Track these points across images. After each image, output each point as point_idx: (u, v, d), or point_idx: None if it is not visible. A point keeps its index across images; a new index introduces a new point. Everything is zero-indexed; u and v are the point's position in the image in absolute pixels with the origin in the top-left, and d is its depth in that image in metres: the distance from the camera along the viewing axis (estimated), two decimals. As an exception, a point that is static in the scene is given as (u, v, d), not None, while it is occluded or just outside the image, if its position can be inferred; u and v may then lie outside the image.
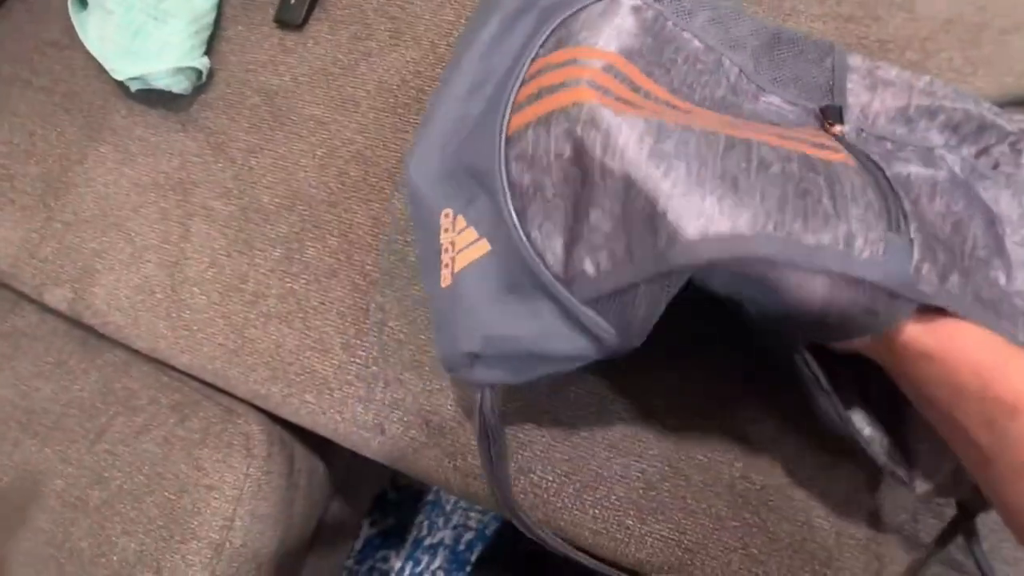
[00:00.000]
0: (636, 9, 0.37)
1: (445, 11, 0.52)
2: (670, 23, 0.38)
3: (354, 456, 0.46)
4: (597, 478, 0.41)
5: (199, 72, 0.53)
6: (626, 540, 0.40)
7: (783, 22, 0.48)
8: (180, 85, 0.53)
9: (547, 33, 0.36)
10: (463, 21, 0.51)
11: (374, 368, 0.45)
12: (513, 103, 0.34)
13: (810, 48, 0.41)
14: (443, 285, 0.35)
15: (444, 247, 0.35)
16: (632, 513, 0.40)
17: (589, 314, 0.32)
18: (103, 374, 0.53)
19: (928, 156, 0.37)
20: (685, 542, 0.39)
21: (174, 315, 0.49)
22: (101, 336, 0.53)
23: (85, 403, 0.52)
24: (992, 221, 0.36)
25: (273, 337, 0.47)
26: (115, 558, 0.47)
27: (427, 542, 0.80)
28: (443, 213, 0.36)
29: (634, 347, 0.33)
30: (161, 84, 0.52)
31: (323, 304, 0.47)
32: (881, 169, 0.34)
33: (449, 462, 0.43)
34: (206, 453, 0.49)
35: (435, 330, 0.36)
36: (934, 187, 0.35)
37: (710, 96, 0.37)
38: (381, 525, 0.81)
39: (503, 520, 0.80)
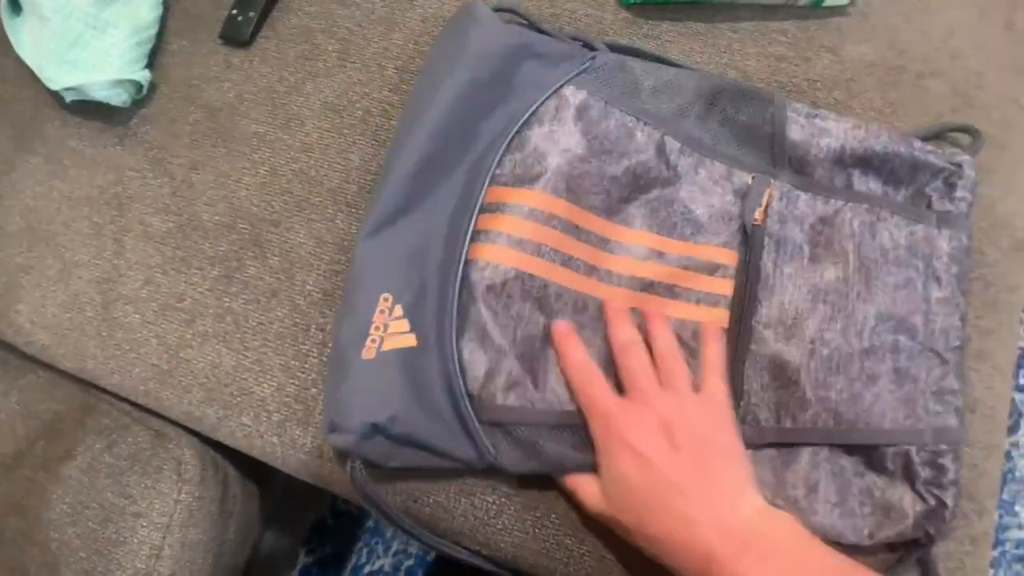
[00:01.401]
0: (582, 110, 0.42)
1: (394, 35, 0.52)
2: (616, 111, 0.42)
3: (291, 481, 0.45)
4: (537, 498, 0.41)
5: (139, 85, 0.52)
6: (565, 560, 0.40)
7: (719, 58, 0.50)
8: (119, 98, 0.52)
9: (505, 143, 0.41)
10: (412, 45, 0.52)
11: (314, 390, 0.44)
12: (472, 230, 0.39)
13: (751, 100, 0.44)
14: (364, 356, 0.37)
15: (375, 325, 0.38)
16: (572, 533, 0.40)
17: (481, 433, 0.38)
18: (24, 396, 0.50)
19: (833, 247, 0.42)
20: (623, 562, 0.40)
21: (105, 334, 0.48)
22: (24, 356, 0.50)
23: (3, 427, 0.49)
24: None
25: (209, 358, 0.46)
26: (31, 592, 0.44)
27: (366, 570, 0.78)
28: (382, 296, 0.38)
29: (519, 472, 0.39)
30: (99, 96, 0.51)
31: (262, 324, 0.46)
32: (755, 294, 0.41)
33: (390, 485, 0.42)
34: (134, 479, 0.47)
35: (330, 388, 0.39)
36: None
37: (644, 200, 0.43)
38: (318, 553, 0.79)
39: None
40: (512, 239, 0.39)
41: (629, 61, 0.45)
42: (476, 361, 0.38)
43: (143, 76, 0.52)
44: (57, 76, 0.51)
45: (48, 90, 0.52)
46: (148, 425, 0.48)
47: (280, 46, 0.54)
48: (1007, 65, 0.53)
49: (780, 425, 0.39)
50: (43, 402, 0.50)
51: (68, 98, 0.52)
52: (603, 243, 0.42)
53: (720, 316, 0.41)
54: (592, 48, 0.45)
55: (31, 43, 0.53)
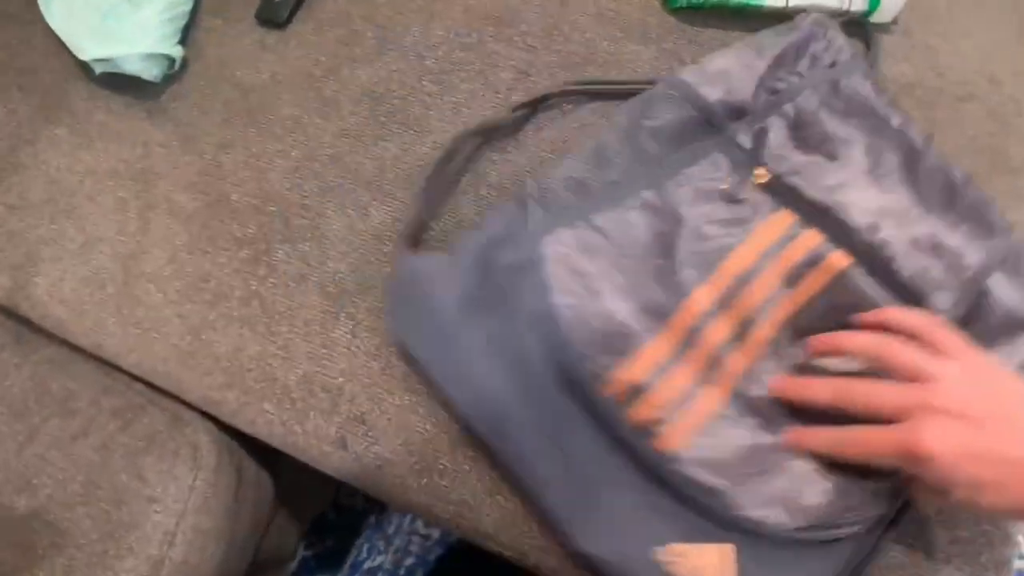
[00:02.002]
0: (583, 250, 0.41)
1: (434, 25, 0.52)
2: (601, 221, 0.41)
3: (301, 472, 0.45)
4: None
5: (172, 60, 0.51)
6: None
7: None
8: (150, 72, 0.51)
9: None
10: (452, 36, 0.51)
11: (340, 380, 0.43)
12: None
13: (652, 101, 0.45)
14: None
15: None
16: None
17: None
18: (38, 371, 0.49)
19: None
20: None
21: (125, 311, 0.47)
22: (38, 330, 0.49)
23: (16, 402, 0.48)
24: None
25: (233, 341, 0.45)
26: (40, 573, 0.43)
27: (366, 566, 0.77)
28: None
29: None
30: (131, 69, 0.50)
31: (290, 310, 0.45)
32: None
33: (414, 482, 0.41)
34: (149, 462, 0.46)
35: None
36: None
37: (680, 260, 0.41)
38: (318, 547, 0.77)
39: (447, 547, 0.78)
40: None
41: (555, 175, 0.43)
42: None
43: (176, 51, 0.51)
44: (89, 47, 0.50)
45: (76, 61, 0.51)
46: (165, 407, 0.47)
47: (317, 29, 0.53)
48: (1045, 91, 0.53)
49: None
50: (57, 379, 0.48)
51: (98, 70, 0.51)
52: (694, 331, 0.39)
53: (838, 258, 0.40)
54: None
55: (62, 12, 0.52)
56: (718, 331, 0.39)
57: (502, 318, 0.39)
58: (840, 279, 0.40)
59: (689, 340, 0.39)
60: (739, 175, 0.42)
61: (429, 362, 0.40)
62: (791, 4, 0.50)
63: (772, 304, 0.40)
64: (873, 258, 0.40)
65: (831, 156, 0.43)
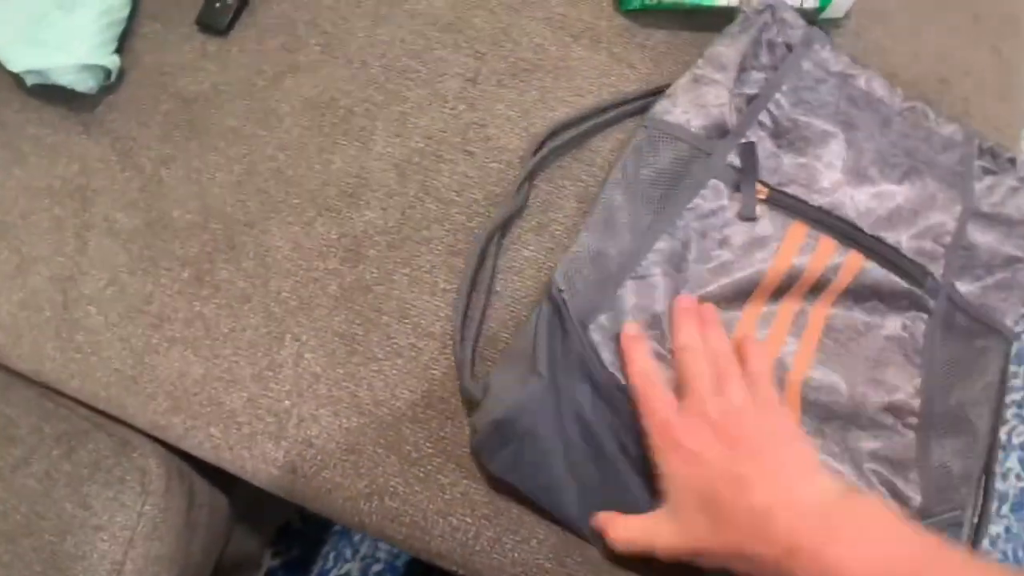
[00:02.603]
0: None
1: (380, 30, 0.50)
2: (627, 294, 0.41)
3: (259, 489, 0.44)
4: (517, 522, 0.40)
5: (107, 71, 0.49)
6: (544, 585, 0.39)
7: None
8: (85, 84, 0.49)
9: None
10: (399, 43, 0.50)
11: (287, 403, 0.42)
12: None
13: (640, 149, 0.44)
14: None
15: None
16: (551, 556, 0.40)
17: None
18: (-24, 398, 0.47)
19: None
20: (602, 587, 0.39)
21: (64, 335, 0.45)
22: (-25, 355, 0.47)
23: (-47, 431, 0.46)
24: None
25: (177, 364, 0.44)
26: (-20, 609, 0.42)
27: (333, 573, 0.77)
28: None
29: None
30: (64, 81, 0.48)
31: (234, 331, 0.44)
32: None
33: (365, 504, 0.41)
34: (95, 490, 0.44)
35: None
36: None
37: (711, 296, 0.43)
38: (285, 556, 0.77)
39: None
40: None
41: (575, 256, 0.41)
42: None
43: (112, 61, 0.49)
44: (18, 57, 0.48)
45: (6, 72, 0.49)
46: (111, 432, 0.46)
47: (260, 36, 0.51)
48: (994, 92, 0.53)
49: None
50: (-4, 405, 0.47)
51: (29, 82, 0.49)
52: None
53: (854, 260, 0.42)
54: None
55: (-10, 20, 0.50)
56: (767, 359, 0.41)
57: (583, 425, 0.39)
58: (859, 278, 0.42)
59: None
60: (740, 196, 0.43)
61: (525, 487, 0.39)
62: (744, 5, 0.49)
63: (805, 320, 0.42)
64: (880, 249, 0.42)
65: (817, 156, 0.44)
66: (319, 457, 0.41)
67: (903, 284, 0.42)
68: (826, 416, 0.40)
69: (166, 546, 0.46)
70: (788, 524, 0.30)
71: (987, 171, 0.46)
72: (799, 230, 0.42)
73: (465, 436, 0.41)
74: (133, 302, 0.45)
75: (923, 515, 0.39)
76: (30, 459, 0.45)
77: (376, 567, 0.76)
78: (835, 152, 0.44)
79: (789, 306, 0.42)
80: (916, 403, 0.41)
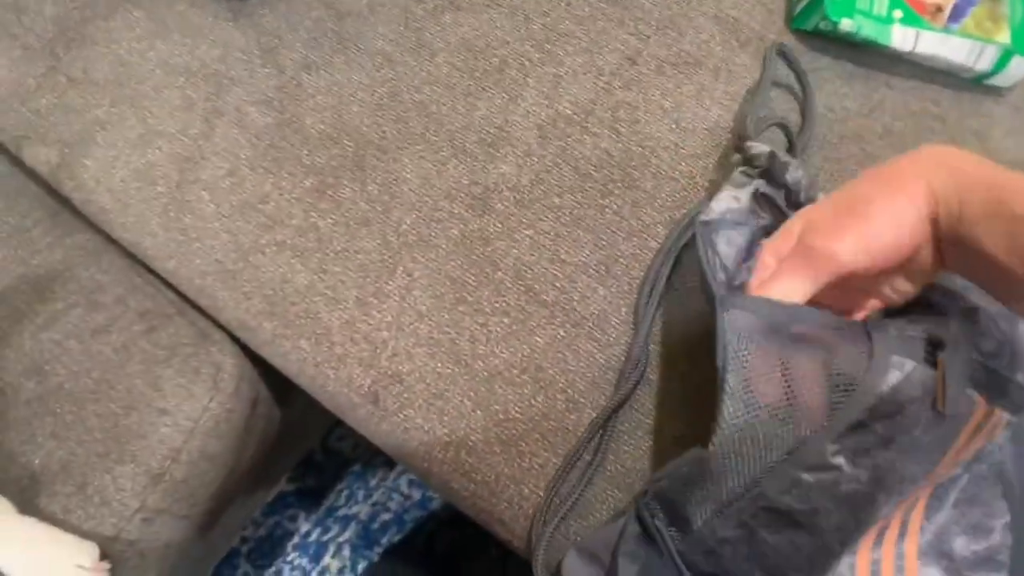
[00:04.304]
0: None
1: (548, -11, 0.49)
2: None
3: (308, 410, 0.43)
4: (589, 506, 0.39)
5: (269, -35, 0.48)
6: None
7: (866, 110, 0.48)
8: (245, -28, 0.48)
9: None
10: (565, 5, 0.49)
11: (385, 334, 0.41)
12: None
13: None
14: None
15: None
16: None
17: None
18: (69, 256, 0.47)
19: None
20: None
21: (172, 214, 0.44)
22: (77, 214, 0.47)
23: (41, 281, 0.46)
24: None
25: (281, 270, 0.43)
26: (36, 461, 0.41)
27: (341, 512, 0.76)
28: None
29: None
30: (225, -36, 0.47)
31: (346, 251, 0.43)
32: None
33: (440, 452, 0.40)
34: (168, 373, 0.44)
35: None
36: None
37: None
38: (299, 484, 0.76)
39: (426, 511, 0.77)
40: None
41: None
42: None
43: (276, -44, 0.48)
44: (187, -70, 0.47)
45: (169, -58, 0.48)
46: (193, 321, 0.46)
47: (424, -33, 0.50)
48: None
49: None
50: (87, 268, 0.47)
51: (190, -44, 0.48)
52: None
53: (998, 418, 0.33)
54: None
55: None
56: (891, 542, 0.34)
57: None
58: (992, 434, 0.34)
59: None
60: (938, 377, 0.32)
61: None
62: (917, 50, 0.48)
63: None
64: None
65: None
66: (405, 395, 0.41)
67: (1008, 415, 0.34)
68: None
69: (222, 445, 0.45)
70: None
71: None
72: (981, 408, 0.32)
73: (555, 408, 0.40)
74: (249, 198, 0.44)
75: None
76: (111, 328, 0.45)
77: (385, 516, 0.76)
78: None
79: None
80: (1009, 541, 0.35)
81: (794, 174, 0.39)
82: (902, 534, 0.35)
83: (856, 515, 0.33)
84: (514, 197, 0.44)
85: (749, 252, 0.39)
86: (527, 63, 0.47)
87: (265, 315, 0.43)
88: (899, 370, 0.31)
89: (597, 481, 0.39)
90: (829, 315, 0.34)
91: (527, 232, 0.43)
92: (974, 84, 0.50)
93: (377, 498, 0.76)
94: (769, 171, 0.40)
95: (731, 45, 0.49)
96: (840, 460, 0.31)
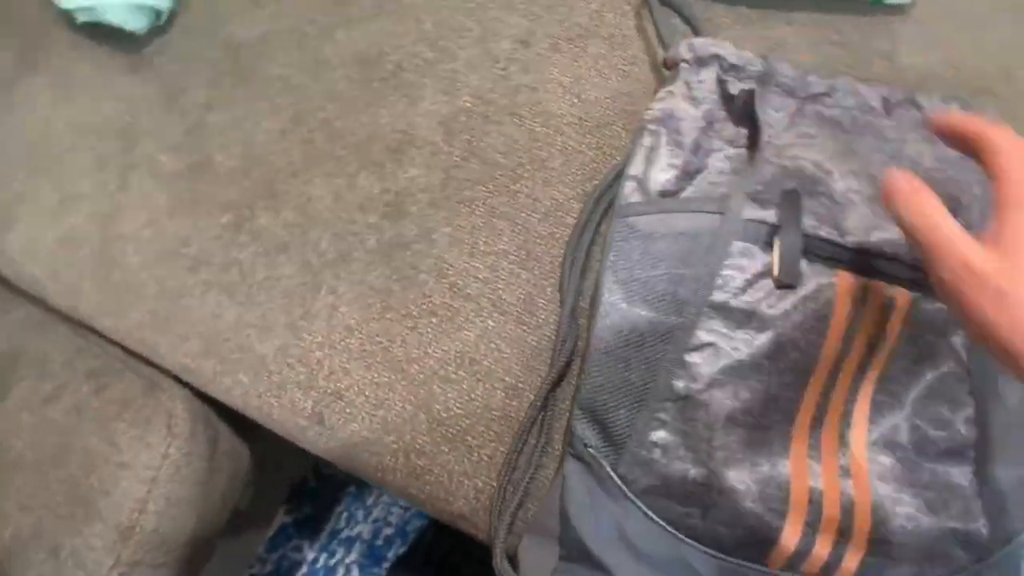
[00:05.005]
0: None
1: (434, -13, 0.50)
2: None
3: (279, 441, 0.44)
4: (543, 488, 0.39)
5: (158, 12, 0.49)
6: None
7: (772, 53, 0.48)
8: (135, 23, 0.48)
9: None
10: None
11: (318, 354, 0.42)
12: None
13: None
14: None
15: None
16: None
17: None
18: (11, 331, 0.48)
19: None
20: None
21: (102, 273, 0.45)
22: (13, 289, 0.48)
23: (-13, 360, 0.47)
24: None
25: (211, 308, 0.44)
26: (7, 533, 0.42)
27: (344, 534, 0.77)
28: None
29: None
30: (114, 20, 0.48)
31: (270, 279, 0.43)
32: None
33: (391, 460, 0.40)
34: (122, 428, 0.45)
35: None
36: None
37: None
38: (297, 514, 0.77)
39: (426, 521, 0.78)
40: None
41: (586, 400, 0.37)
42: None
43: (164, 3, 0.49)
44: (70, -7, 0.48)
45: (57, 9, 0.49)
46: (141, 373, 0.46)
47: (312, -13, 0.50)
48: (1063, 88, 0.51)
49: None
50: (32, 339, 0.47)
51: (80, 19, 0.49)
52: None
53: (902, 298, 0.36)
54: None
55: (45, -45, 0.50)
56: (832, 436, 0.37)
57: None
58: (912, 314, 0.36)
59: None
60: (773, 250, 0.37)
61: None
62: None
63: (863, 378, 0.36)
64: (923, 278, 0.36)
65: (830, 195, 0.38)
66: (348, 410, 0.41)
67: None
68: (897, 487, 0.36)
69: (188, 489, 0.46)
70: None
71: None
72: (847, 280, 0.36)
73: (495, 398, 0.40)
74: (170, 244, 0.45)
75: (993, 546, 0.35)
76: (61, 394, 0.46)
77: (387, 531, 0.76)
78: (844, 185, 0.39)
79: (849, 368, 0.36)
80: (973, 435, 0.37)
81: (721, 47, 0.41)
82: (846, 424, 0.37)
83: (752, 387, 0.36)
84: (426, 198, 0.44)
85: (711, 127, 0.41)
86: (422, 63, 0.47)
87: (203, 355, 0.43)
88: (745, 257, 0.37)
89: (547, 462, 0.40)
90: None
91: (444, 230, 0.43)
92: (874, 6, 0.50)
93: (377, 514, 0.77)
94: (700, 58, 0.41)
95: (622, 10, 0.49)
96: (713, 337, 0.36)
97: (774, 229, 0.37)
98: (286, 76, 0.48)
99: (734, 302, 0.36)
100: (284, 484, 0.72)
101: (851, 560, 0.35)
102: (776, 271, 0.36)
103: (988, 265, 0.25)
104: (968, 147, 0.30)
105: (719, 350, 0.36)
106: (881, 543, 0.35)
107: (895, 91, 0.43)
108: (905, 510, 0.35)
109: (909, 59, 0.50)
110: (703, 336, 0.36)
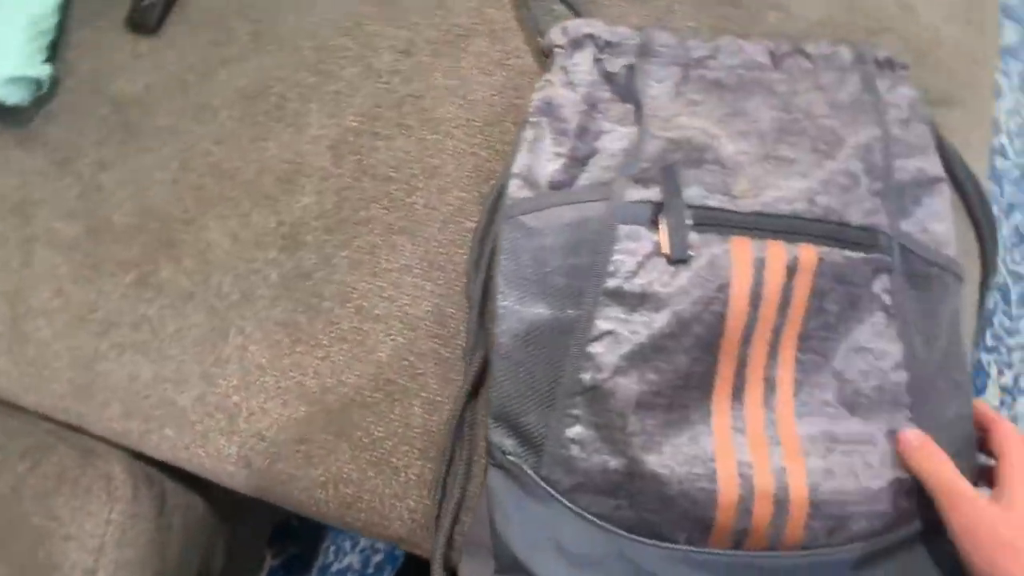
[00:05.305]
0: None
1: (309, 12, 0.49)
2: None
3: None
4: (475, 499, 0.39)
5: (39, 82, 0.49)
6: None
7: (661, 22, 0.47)
8: (17, 96, 0.48)
9: None
10: (330, 21, 0.48)
11: (235, 398, 0.41)
12: None
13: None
14: None
15: None
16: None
17: None
18: (-58, 419, 0.48)
19: None
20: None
21: (16, 350, 0.45)
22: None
23: (-80, 455, 0.46)
24: None
25: (127, 369, 0.43)
26: (-45, 625, 0.42)
27: (334, 568, 0.77)
28: None
29: None
30: (-6, 95, 0.48)
31: (179, 331, 0.43)
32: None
33: (321, 493, 0.40)
34: (62, 501, 0.44)
35: None
36: None
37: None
38: (283, 555, 0.77)
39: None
40: None
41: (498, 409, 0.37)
42: None
43: (42, 71, 0.49)
44: (-54, 75, 0.48)
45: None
46: (73, 443, 0.46)
47: (190, 31, 0.50)
48: (959, 18, 0.50)
49: None
50: (-40, 425, 0.47)
51: (-39, 98, 0.49)
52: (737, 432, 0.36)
53: (807, 253, 0.36)
54: None
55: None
56: (756, 404, 0.36)
57: None
58: (820, 269, 0.36)
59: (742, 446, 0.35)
60: (659, 228, 0.36)
61: None
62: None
63: (779, 341, 0.36)
64: (828, 231, 0.36)
65: (719, 161, 0.38)
66: (271, 449, 0.41)
67: (861, 255, 0.36)
68: (830, 446, 0.36)
69: (137, 551, 0.45)
70: None
71: (890, 87, 0.41)
72: (743, 246, 0.36)
73: (414, 416, 0.40)
74: (79, 311, 0.45)
75: None
76: (-4, 475, 0.45)
77: (376, 558, 0.76)
78: (734, 147, 0.38)
79: (762, 334, 0.36)
80: (904, 378, 0.36)
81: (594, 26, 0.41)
82: (770, 390, 0.36)
83: (659, 369, 0.35)
84: (321, 225, 0.44)
85: (596, 109, 0.40)
86: (306, 90, 0.47)
87: (126, 417, 0.43)
88: (633, 240, 0.36)
89: (476, 472, 0.39)
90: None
91: (343, 254, 0.43)
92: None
93: (364, 543, 0.76)
94: (574, 40, 0.41)
95: (501, 3, 0.48)
96: (611, 325, 0.35)
97: (659, 207, 0.36)
98: (172, 125, 0.47)
99: (627, 286, 0.35)
100: (266, 527, 0.71)
101: (794, 528, 0.34)
102: (665, 248, 0.35)
103: (1001, 524, 0.31)
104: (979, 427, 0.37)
105: (618, 336, 0.35)
106: (822, 506, 0.34)
107: (781, 43, 0.42)
108: (842, 469, 0.34)
109: (802, 8, 0.49)
110: (602, 325, 0.35)
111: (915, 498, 0.35)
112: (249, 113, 0.47)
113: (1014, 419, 0.87)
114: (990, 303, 0.90)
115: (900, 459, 0.35)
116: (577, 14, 0.46)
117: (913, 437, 0.35)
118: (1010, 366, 0.88)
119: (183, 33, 0.50)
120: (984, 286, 0.47)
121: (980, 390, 0.88)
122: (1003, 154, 0.94)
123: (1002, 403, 0.87)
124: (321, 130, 0.46)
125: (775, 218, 0.36)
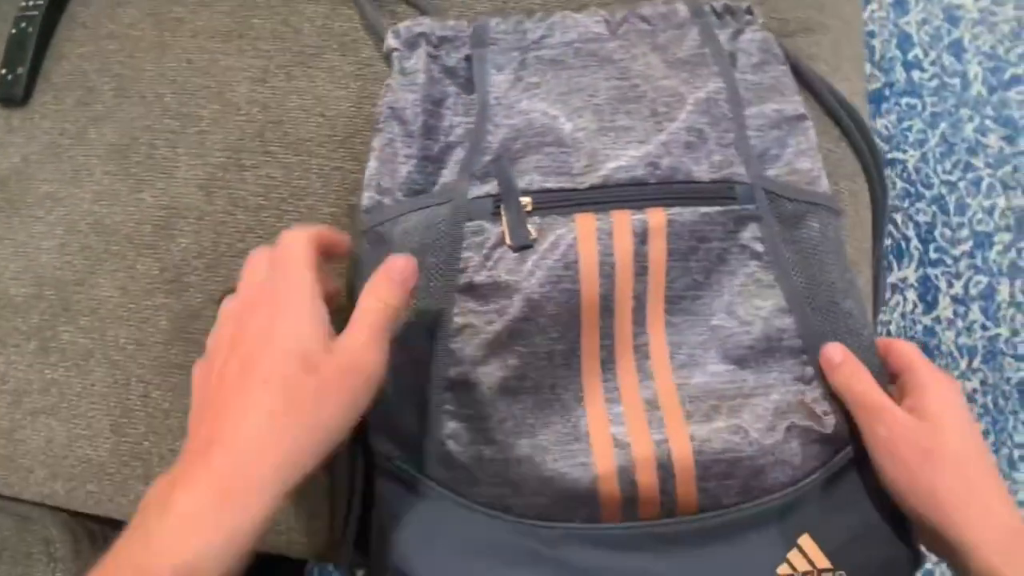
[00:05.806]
0: None
1: (166, 58, 0.50)
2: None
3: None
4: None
5: (-81, 172, 0.50)
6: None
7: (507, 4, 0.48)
8: (-101, 190, 0.49)
9: None
10: (186, 64, 0.49)
11: (146, 444, 0.43)
12: None
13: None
14: None
15: None
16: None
17: None
18: None
19: None
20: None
21: (-61, 434, 0.46)
22: None
23: None
24: None
25: (43, 434, 0.45)
26: None
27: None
28: None
29: None
30: None
31: (85, 389, 0.44)
32: None
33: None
34: (4, 570, 0.46)
35: None
36: None
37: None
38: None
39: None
40: None
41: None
42: None
43: (-79, 161, 0.50)
44: None
45: None
46: (8, 511, 0.47)
47: (57, 97, 0.51)
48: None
49: None
50: (-98, 514, 0.49)
51: None
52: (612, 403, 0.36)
53: (655, 216, 0.36)
54: None
55: None
56: (628, 372, 0.36)
57: None
58: (673, 230, 0.36)
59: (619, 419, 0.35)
60: (501, 220, 0.37)
61: None
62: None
63: (644, 307, 0.36)
64: (676, 190, 0.37)
65: (557, 142, 0.38)
66: (187, 488, 0.42)
67: (717, 209, 0.37)
68: (716, 403, 0.36)
69: (89, 606, 0.47)
70: None
71: (734, 35, 0.42)
72: (586, 221, 0.36)
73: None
74: (-9, 386, 0.46)
75: (839, 444, 0.35)
76: (-59, 556, 0.47)
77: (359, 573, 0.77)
78: (572, 125, 0.39)
79: (623, 303, 0.36)
80: (790, 322, 0.37)
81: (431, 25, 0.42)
82: (643, 356, 0.36)
83: (518, 353, 0.35)
84: (202, 263, 0.45)
85: (442, 105, 0.41)
86: (171, 135, 0.48)
87: (51, 479, 0.44)
88: (478, 234, 0.37)
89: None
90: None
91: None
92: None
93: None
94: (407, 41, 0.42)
95: (347, 15, 0.49)
96: (467, 319, 0.36)
97: (498, 199, 0.37)
98: (53, 192, 0.49)
99: (477, 279, 0.36)
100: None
101: (686, 492, 0.34)
102: (507, 239, 0.36)
103: (919, 434, 0.33)
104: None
105: (475, 328, 0.36)
106: (711, 465, 0.34)
107: (616, 9, 0.42)
108: (730, 426, 0.34)
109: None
110: (459, 320, 0.36)
111: (829, 437, 0.35)
112: (123, 167, 0.48)
113: (969, 328, 0.87)
114: (921, 220, 0.90)
115: (826, 377, 0.36)
116: (422, 12, 0.47)
117: (834, 354, 0.35)
118: (958, 276, 0.89)
119: (51, 100, 0.51)
120: (876, 211, 0.48)
121: (932, 305, 0.88)
122: (919, 67, 0.94)
123: (955, 314, 0.88)
124: (190, 172, 0.47)
125: (616, 188, 0.37)
